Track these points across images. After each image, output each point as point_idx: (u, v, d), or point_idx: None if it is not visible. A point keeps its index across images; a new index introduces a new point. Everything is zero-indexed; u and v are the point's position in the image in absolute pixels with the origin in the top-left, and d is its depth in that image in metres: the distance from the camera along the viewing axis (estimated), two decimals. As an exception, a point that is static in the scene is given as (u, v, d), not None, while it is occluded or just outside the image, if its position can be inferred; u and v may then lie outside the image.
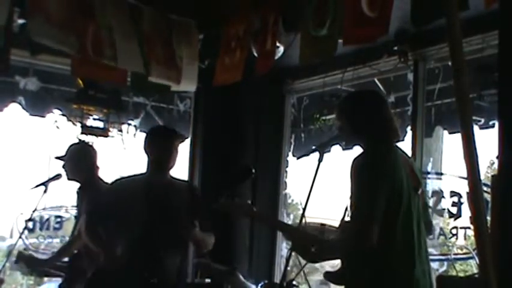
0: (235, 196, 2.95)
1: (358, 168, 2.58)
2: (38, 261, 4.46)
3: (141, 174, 3.70)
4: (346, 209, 2.73)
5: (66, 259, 4.32)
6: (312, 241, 2.83)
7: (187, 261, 3.79)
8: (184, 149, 6.21)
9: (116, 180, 3.82)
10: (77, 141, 4.46)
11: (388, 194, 2.54)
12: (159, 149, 3.59)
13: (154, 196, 3.55)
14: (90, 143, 4.45)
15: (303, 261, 3.42)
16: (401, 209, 2.58)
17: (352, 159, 2.61)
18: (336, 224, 2.99)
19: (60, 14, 4.13)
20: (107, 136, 5.55)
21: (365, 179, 2.56)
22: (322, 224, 3.86)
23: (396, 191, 2.57)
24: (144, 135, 3.86)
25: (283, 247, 5.98)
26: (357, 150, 2.78)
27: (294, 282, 4.08)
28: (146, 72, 4.65)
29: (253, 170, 3.16)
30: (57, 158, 4.28)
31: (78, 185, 4.27)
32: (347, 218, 2.75)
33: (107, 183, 4.07)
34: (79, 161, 4.21)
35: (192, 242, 3.74)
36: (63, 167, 4.25)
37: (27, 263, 4.33)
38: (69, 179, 4.26)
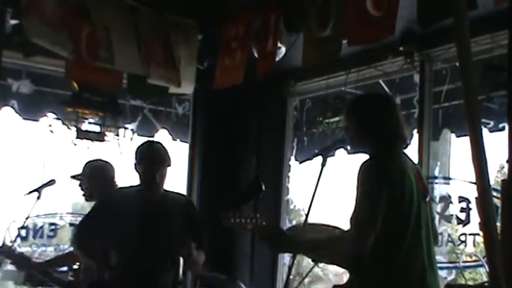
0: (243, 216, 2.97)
1: (364, 173, 2.59)
2: (26, 260, 4.37)
3: (135, 186, 3.73)
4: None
5: (70, 272, 4.29)
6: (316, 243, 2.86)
7: (180, 277, 3.80)
8: (183, 153, 6.24)
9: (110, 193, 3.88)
10: (93, 158, 4.42)
11: (396, 202, 2.55)
12: (147, 169, 3.62)
13: (146, 211, 3.60)
14: (107, 160, 4.39)
15: (306, 270, 3.44)
16: (412, 218, 2.59)
17: (360, 164, 2.62)
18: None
19: (56, 14, 4.14)
20: (103, 140, 5.55)
21: (368, 184, 2.57)
22: (325, 225, 3.88)
23: (406, 199, 2.58)
24: (136, 146, 3.87)
25: (285, 255, 5.97)
26: (363, 154, 2.78)
27: (297, 292, 4.08)
28: (145, 74, 4.66)
29: (263, 187, 3.17)
30: (73, 177, 4.25)
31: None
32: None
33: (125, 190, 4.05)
34: (97, 180, 4.17)
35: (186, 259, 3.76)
36: (80, 186, 4.23)
37: (13, 259, 4.25)
38: (87, 198, 4.24)
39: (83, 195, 4.24)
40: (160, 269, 3.54)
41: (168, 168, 3.68)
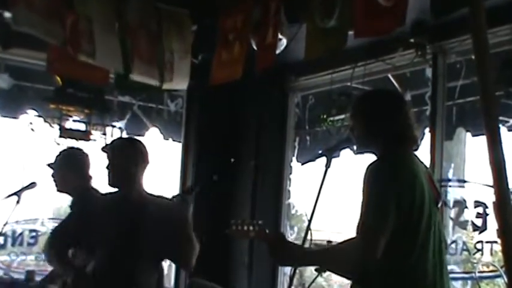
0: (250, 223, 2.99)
1: (371, 176, 2.59)
2: None
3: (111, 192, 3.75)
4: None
5: None
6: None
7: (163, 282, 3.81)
8: (176, 154, 6.24)
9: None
10: (66, 147, 4.40)
11: (406, 206, 2.55)
12: (109, 165, 3.65)
13: (122, 213, 3.59)
14: (82, 149, 4.36)
15: (308, 281, 3.45)
16: (422, 225, 2.59)
17: (367, 166, 2.62)
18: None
19: (43, 2, 4.15)
20: (88, 140, 5.55)
21: (375, 187, 2.58)
22: (329, 242, 3.89)
23: (417, 204, 2.58)
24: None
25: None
26: (371, 155, 2.79)
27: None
28: (127, 70, 4.64)
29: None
30: (49, 165, 4.24)
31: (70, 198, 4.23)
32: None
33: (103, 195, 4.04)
34: (70, 170, 4.13)
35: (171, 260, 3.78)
36: (52, 176, 4.22)
37: None
38: (58, 189, 4.21)
39: (55, 186, 4.19)
40: (138, 275, 3.55)
41: (139, 165, 3.62)
